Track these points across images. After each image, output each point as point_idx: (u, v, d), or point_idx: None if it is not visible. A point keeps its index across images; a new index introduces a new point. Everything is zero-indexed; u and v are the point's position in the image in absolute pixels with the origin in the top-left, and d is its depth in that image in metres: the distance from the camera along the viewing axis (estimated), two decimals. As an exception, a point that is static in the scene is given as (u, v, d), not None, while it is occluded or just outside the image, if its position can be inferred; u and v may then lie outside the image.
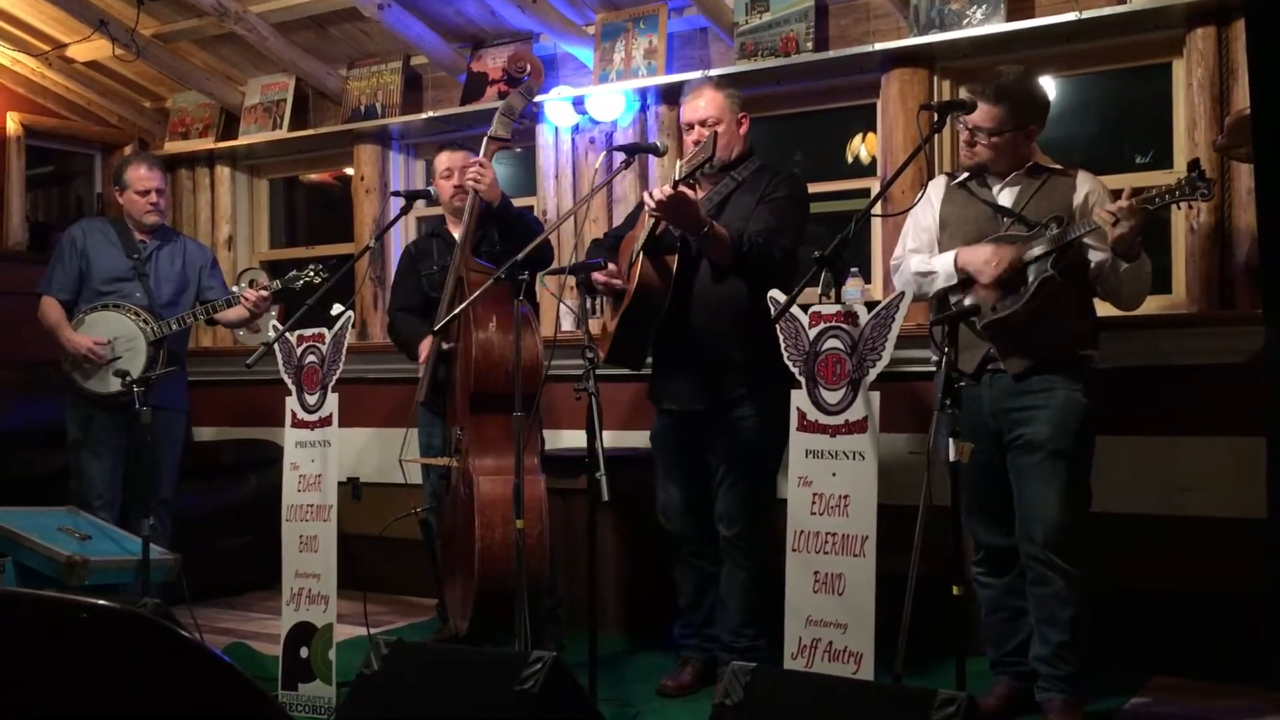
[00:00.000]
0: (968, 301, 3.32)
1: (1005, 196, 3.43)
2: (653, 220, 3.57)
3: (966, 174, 3.50)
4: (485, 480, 3.81)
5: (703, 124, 3.74)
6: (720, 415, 3.73)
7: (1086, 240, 3.24)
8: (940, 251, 3.47)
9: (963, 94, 3.41)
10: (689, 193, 3.46)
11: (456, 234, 4.44)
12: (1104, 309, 3.46)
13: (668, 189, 3.37)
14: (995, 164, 3.42)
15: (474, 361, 3.89)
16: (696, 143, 3.71)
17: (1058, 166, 3.41)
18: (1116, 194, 3.26)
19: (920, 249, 3.54)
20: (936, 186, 3.59)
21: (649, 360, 3.89)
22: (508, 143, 4.35)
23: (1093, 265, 3.32)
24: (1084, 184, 3.38)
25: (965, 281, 3.37)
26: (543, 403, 3.80)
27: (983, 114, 3.35)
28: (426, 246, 4.56)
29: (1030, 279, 3.23)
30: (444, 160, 4.51)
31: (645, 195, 3.44)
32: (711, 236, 3.53)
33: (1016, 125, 3.35)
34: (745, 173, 3.78)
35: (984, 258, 3.32)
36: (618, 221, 4.45)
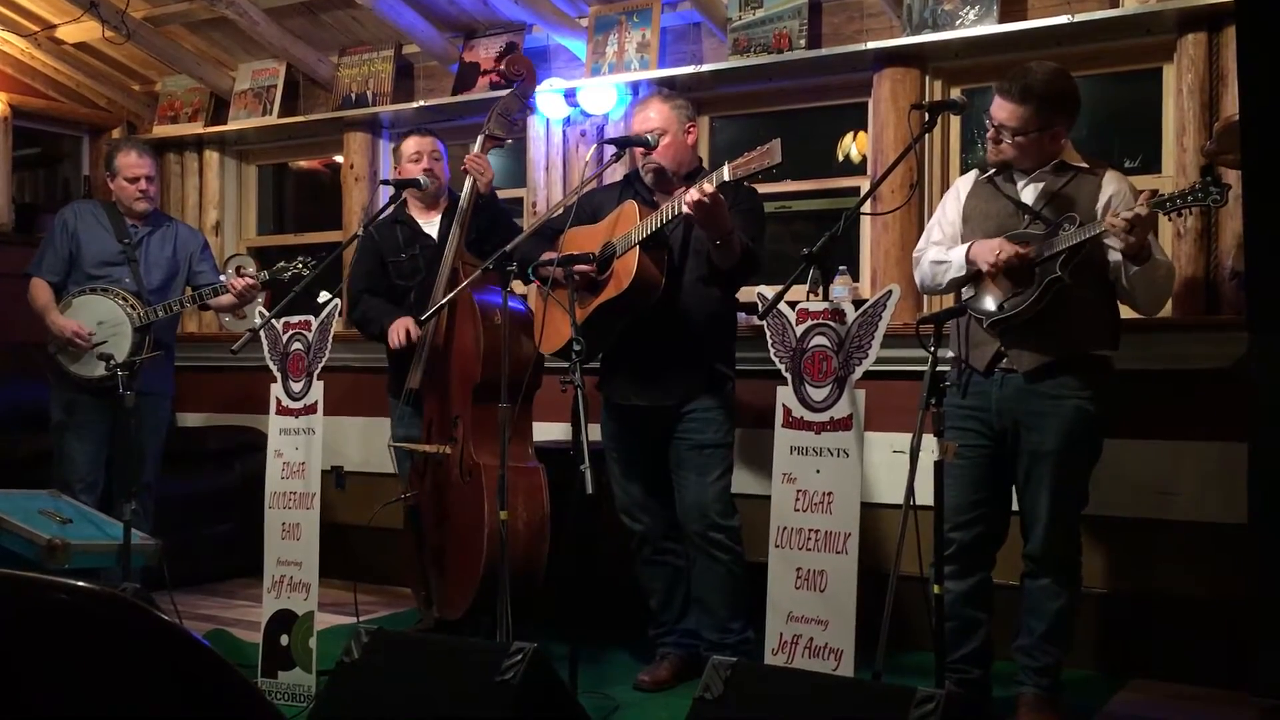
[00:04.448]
0: (982, 301, 3.31)
1: (1029, 193, 3.38)
2: (665, 219, 3.55)
3: (994, 169, 3.46)
4: (493, 468, 3.83)
5: (650, 133, 3.76)
6: (687, 411, 3.75)
7: (1107, 240, 3.19)
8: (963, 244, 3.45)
9: (994, 89, 3.37)
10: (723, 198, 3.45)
11: (420, 219, 4.45)
12: (1126, 311, 3.44)
13: (709, 188, 3.36)
14: (1020, 161, 3.37)
15: (483, 351, 3.96)
16: (645, 154, 3.76)
17: (1085, 165, 3.35)
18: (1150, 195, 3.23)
19: (942, 242, 3.52)
20: (965, 181, 3.58)
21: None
22: (502, 141, 4.41)
23: (1111, 265, 3.27)
24: (1110, 184, 3.31)
25: (977, 275, 3.35)
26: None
27: (1008, 112, 3.29)
28: (390, 234, 4.49)
29: (1037, 279, 3.22)
30: (412, 145, 4.48)
31: (685, 194, 3.41)
32: (730, 241, 3.54)
33: (1041, 126, 3.27)
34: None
35: (988, 247, 3.29)
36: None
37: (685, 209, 3.41)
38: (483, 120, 5.22)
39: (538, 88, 5.01)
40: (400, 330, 4.22)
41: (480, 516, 3.89)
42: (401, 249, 4.44)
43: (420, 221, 4.46)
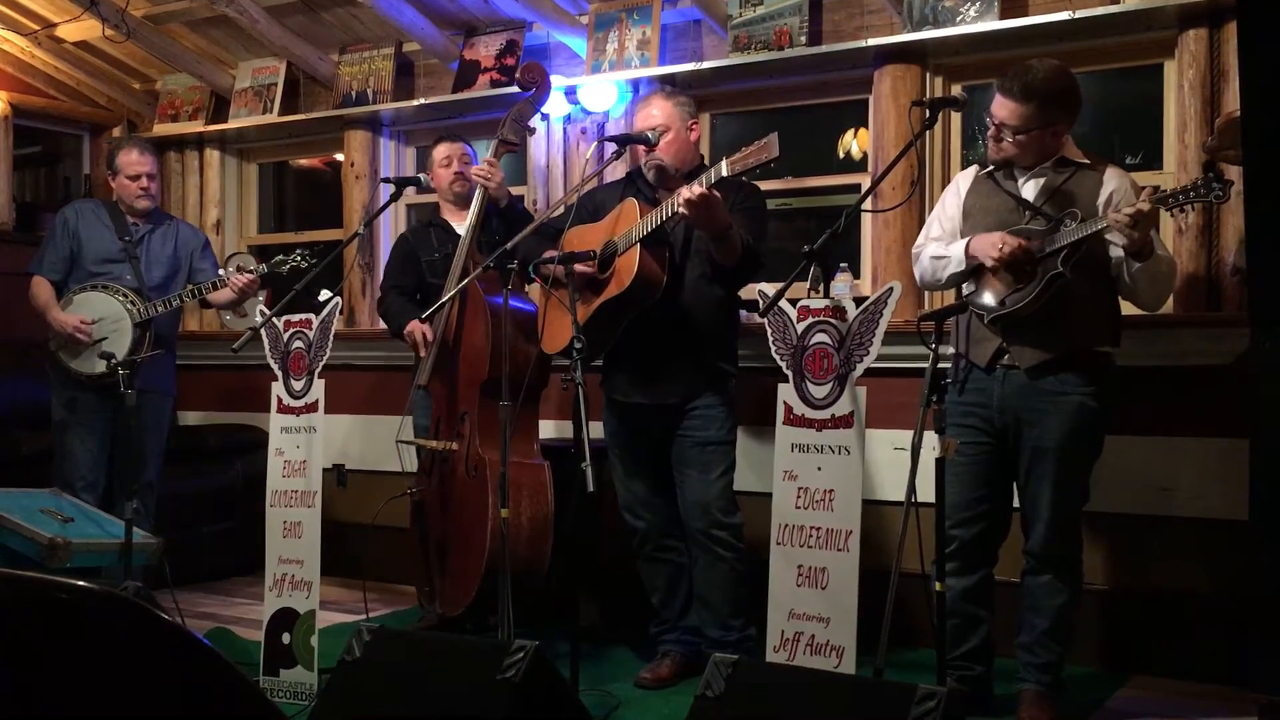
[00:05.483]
0: (983, 297, 3.31)
1: (1029, 189, 3.37)
2: (664, 217, 3.55)
3: (995, 165, 3.45)
4: (498, 464, 3.84)
5: (652, 130, 3.77)
6: (690, 408, 3.75)
7: (1108, 236, 3.18)
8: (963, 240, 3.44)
9: (995, 87, 3.36)
10: (718, 194, 3.45)
11: (453, 221, 4.54)
12: (1128, 307, 3.43)
13: (699, 189, 3.37)
14: (1021, 159, 3.36)
15: (491, 349, 3.99)
16: (647, 152, 3.76)
17: (1086, 161, 3.34)
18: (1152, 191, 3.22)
19: (942, 237, 3.51)
20: (965, 176, 3.57)
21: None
22: (515, 146, 4.46)
23: (1113, 261, 3.27)
24: (1111, 180, 3.30)
25: (977, 270, 3.35)
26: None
27: (1008, 111, 3.27)
28: (425, 235, 4.64)
29: (1039, 275, 3.21)
30: (443, 150, 4.61)
31: (678, 194, 3.43)
32: (729, 238, 3.54)
33: (1043, 124, 3.26)
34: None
35: (991, 241, 3.27)
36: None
37: (679, 209, 3.41)
38: (483, 118, 5.27)
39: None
40: (418, 334, 4.31)
41: (484, 512, 3.91)
42: (435, 249, 4.53)
43: (453, 223, 4.55)
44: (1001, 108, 3.30)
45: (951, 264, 3.40)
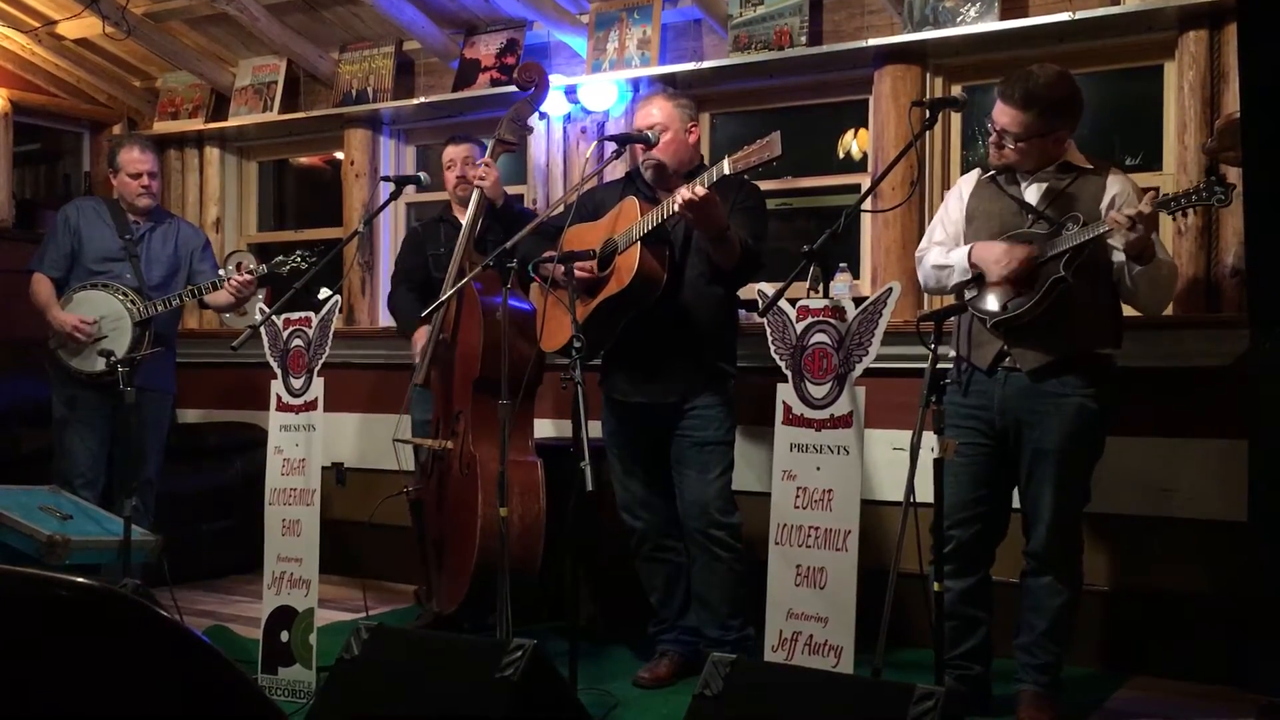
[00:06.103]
0: (985, 301, 3.31)
1: (1032, 193, 3.37)
2: (664, 216, 3.55)
3: (995, 169, 3.45)
4: (491, 462, 3.85)
5: (651, 130, 3.78)
6: (689, 408, 3.75)
7: (1110, 240, 3.18)
8: (965, 245, 3.43)
9: (996, 93, 3.36)
10: (716, 195, 3.45)
11: (463, 219, 4.54)
12: (1129, 309, 3.42)
13: (700, 189, 3.37)
14: (1023, 164, 3.35)
15: (484, 348, 4.00)
16: (645, 151, 3.78)
17: (1089, 166, 3.34)
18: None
19: (945, 242, 3.51)
20: (967, 180, 3.57)
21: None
22: (513, 146, 4.48)
23: (1115, 265, 3.26)
24: (1113, 185, 3.30)
25: (980, 277, 3.33)
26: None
27: (1010, 118, 3.26)
28: (434, 230, 4.69)
29: (1041, 280, 3.21)
30: (447, 153, 4.67)
31: (677, 193, 3.43)
32: (727, 239, 3.54)
33: (1044, 131, 3.26)
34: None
35: (994, 256, 3.27)
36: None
37: (676, 209, 3.42)
38: (484, 117, 5.27)
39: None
40: (416, 346, 4.42)
41: (475, 510, 3.90)
42: (441, 243, 4.58)
43: (462, 221, 4.55)
44: (1003, 114, 3.30)
45: (955, 274, 3.39)
